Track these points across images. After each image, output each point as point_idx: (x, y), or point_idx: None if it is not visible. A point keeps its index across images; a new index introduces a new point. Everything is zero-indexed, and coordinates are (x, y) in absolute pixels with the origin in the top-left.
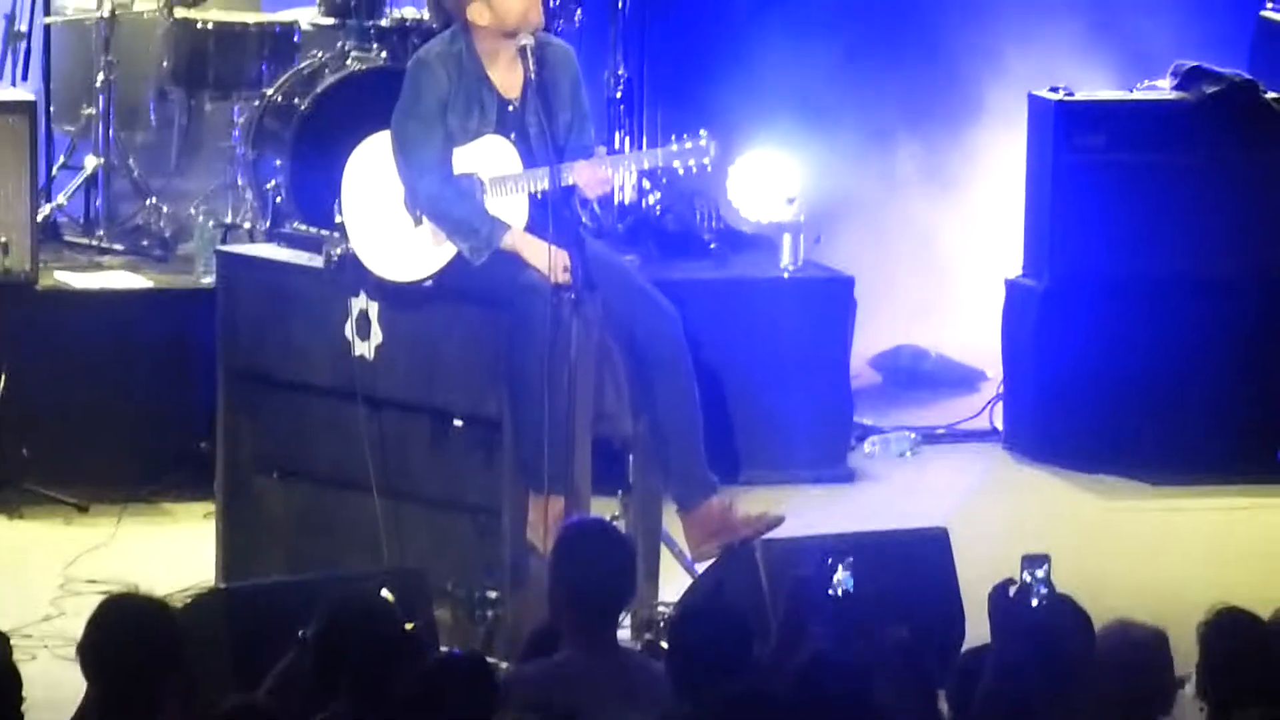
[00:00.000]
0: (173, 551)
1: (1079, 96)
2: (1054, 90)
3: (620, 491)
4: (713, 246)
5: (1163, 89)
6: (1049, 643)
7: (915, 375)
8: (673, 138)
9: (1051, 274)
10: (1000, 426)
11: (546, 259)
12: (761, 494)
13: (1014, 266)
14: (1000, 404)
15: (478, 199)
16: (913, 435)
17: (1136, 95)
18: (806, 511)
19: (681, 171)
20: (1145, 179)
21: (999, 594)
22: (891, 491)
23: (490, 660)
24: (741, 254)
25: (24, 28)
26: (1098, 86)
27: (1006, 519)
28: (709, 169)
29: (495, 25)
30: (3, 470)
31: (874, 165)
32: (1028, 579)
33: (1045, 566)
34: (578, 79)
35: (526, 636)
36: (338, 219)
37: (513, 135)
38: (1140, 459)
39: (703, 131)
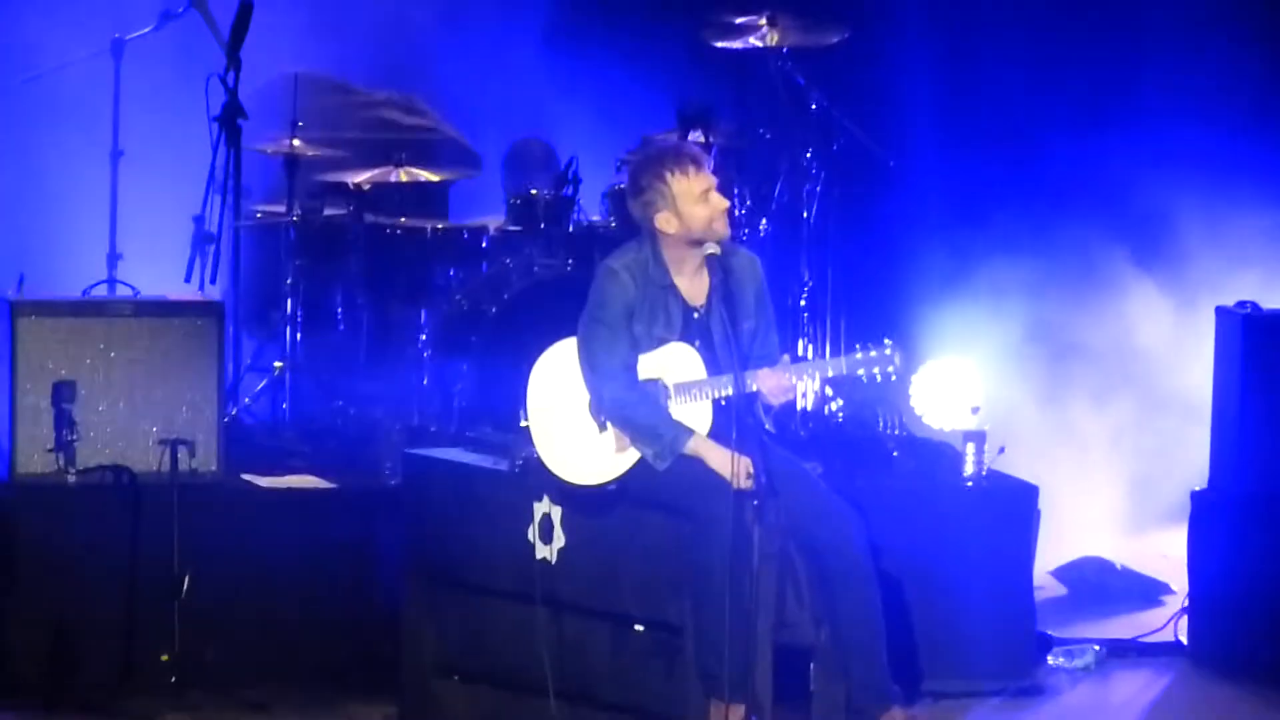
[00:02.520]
0: None
1: (1266, 310)
2: (1241, 306)
3: (802, 701)
4: (895, 454)
5: None
6: None
7: (1099, 587)
8: (857, 346)
9: (1240, 487)
10: (1185, 640)
11: (730, 464)
12: (945, 706)
13: (1201, 478)
14: (1186, 617)
15: (662, 405)
16: (1097, 648)
17: None
18: None
19: (865, 380)
20: None
21: None
22: (1076, 705)
23: None
24: (924, 462)
25: (213, 229)
26: None
27: None
28: (893, 378)
29: (682, 234)
30: (186, 671)
31: (1059, 375)
32: None
33: None
34: (762, 287)
35: None
36: (523, 423)
37: (697, 342)
38: None
39: (887, 341)
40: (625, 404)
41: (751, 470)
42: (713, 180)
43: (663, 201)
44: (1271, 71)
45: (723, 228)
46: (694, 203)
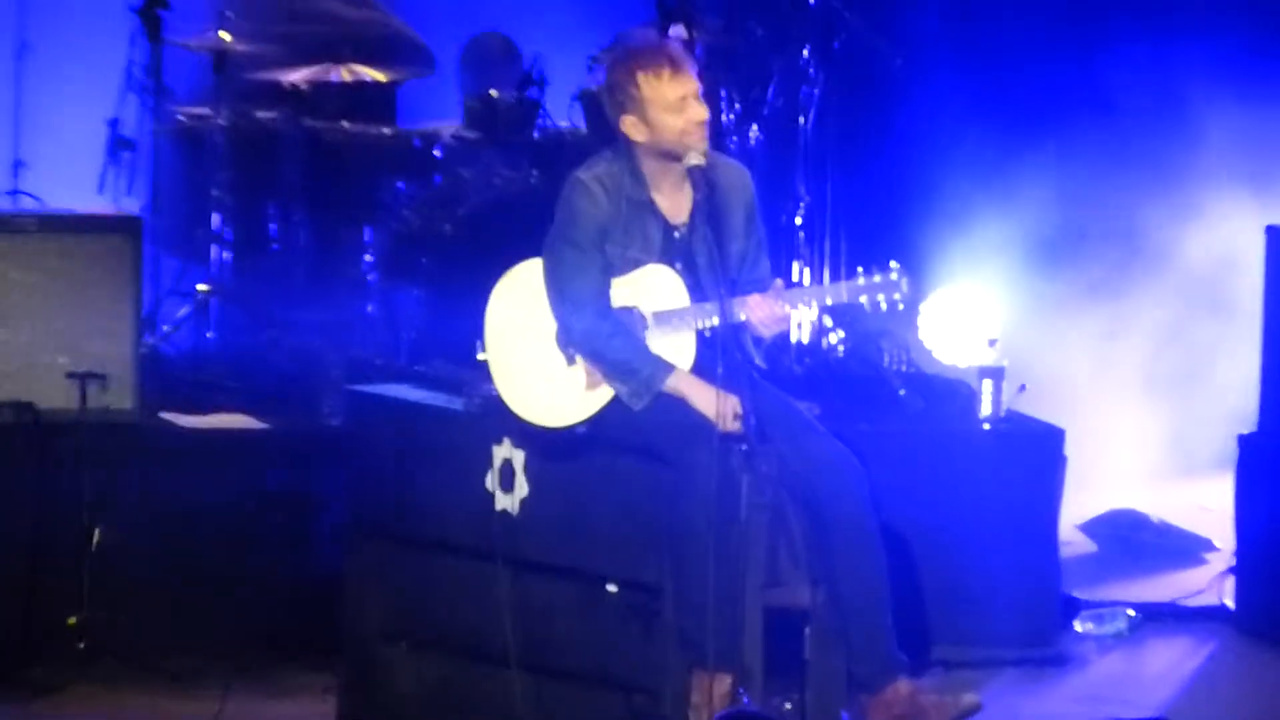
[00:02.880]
0: None
1: None
2: None
3: (796, 670)
4: (902, 394)
5: None
6: None
7: (1133, 543)
8: (859, 270)
9: None
10: (1231, 604)
11: (715, 404)
12: (957, 676)
13: (1249, 421)
14: (1232, 578)
15: (639, 336)
16: (1130, 612)
17: None
18: (1008, 697)
19: (869, 309)
20: None
21: None
22: (1106, 677)
23: None
24: (935, 402)
25: (130, 135)
26: None
27: (1239, 712)
28: (900, 307)
29: (651, 143)
30: (97, 636)
31: (1088, 306)
32: None
33: None
34: (753, 204)
35: None
36: (480, 356)
37: (678, 265)
38: None
39: (894, 264)
40: (597, 335)
41: (739, 411)
42: (691, 86)
43: (632, 105)
44: None
45: (697, 141)
46: (665, 109)
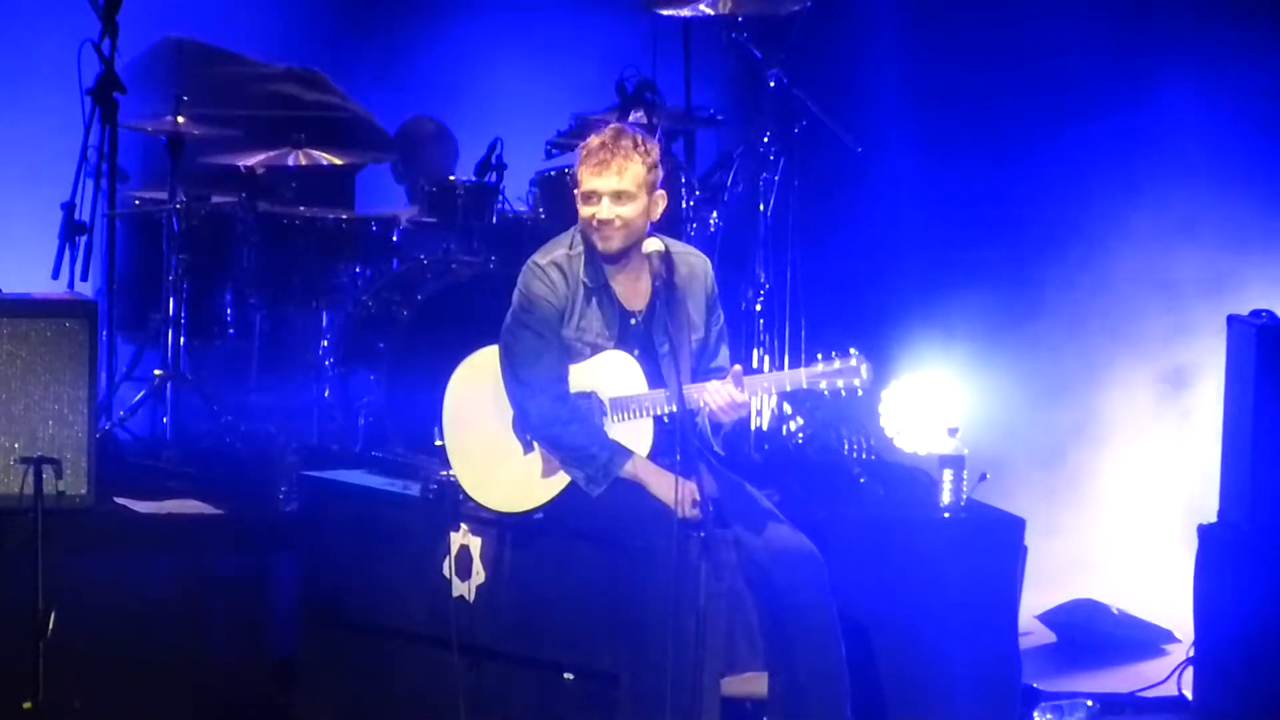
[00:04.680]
0: None
1: None
2: (1256, 315)
3: None
4: (862, 481)
5: None
6: None
7: (1093, 634)
8: (819, 356)
9: (1254, 519)
10: (1190, 695)
11: (672, 490)
12: None
13: (1209, 511)
14: (1191, 669)
15: (596, 422)
16: (1090, 704)
17: None
18: None
19: (828, 395)
20: None
21: None
22: None
23: None
24: (895, 491)
25: (85, 218)
26: None
27: None
28: (860, 393)
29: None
30: None
31: (1048, 395)
32: None
33: None
34: (713, 292)
35: None
36: (438, 443)
37: (636, 351)
38: None
39: (853, 350)
40: (554, 420)
41: (697, 497)
42: (605, 184)
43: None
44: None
45: (599, 241)
46: (580, 197)
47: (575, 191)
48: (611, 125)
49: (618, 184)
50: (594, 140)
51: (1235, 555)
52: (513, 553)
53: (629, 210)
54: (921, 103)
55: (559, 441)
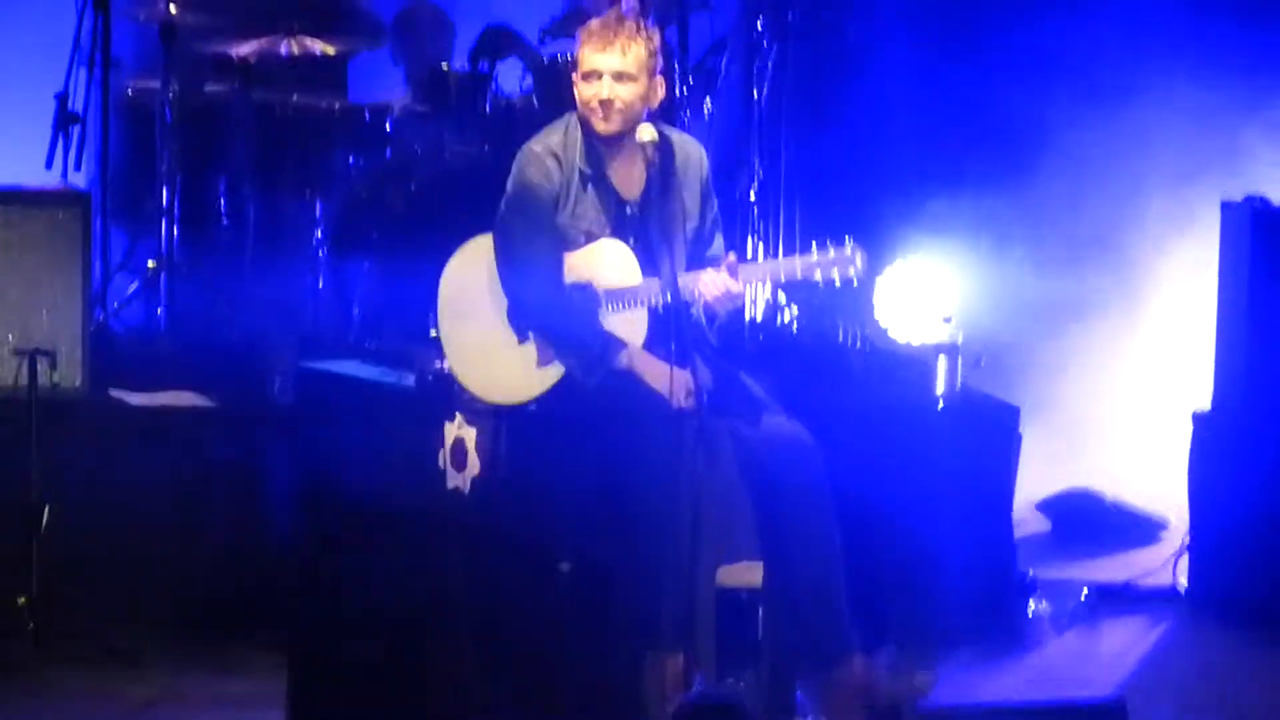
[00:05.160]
0: (239, 711)
1: (1278, 205)
2: (1250, 200)
3: (749, 649)
4: (857, 369)
5: None
6: None
7: (1088, 523)
8: (813, 245)
9: (1248, 407)
10: (1185, 584)
11: (667, 380)
12: (911, 654)
13: (1204, 399)
14: (1185, 557)
15: (591, 312)
16: (1085, 591)
17: None
18: (963, 676)
19: (823, 284)
20: None
21: None
22: (1061, 656)
23: None
24: (890, 379)
25: (78, 108)
26: None
27: (1192, 691)
28: (855, 283)
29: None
30: (48, 615)
31: (1044, 280)
32: None
33: None
34: (708, 180)
35: None
36: (432, 333)
37: (631, 240)
38: None
39: (848, 239)
40: (548, 310)
41: (691, 387)
42: (608, 62)
43: (574, 69)
44: None
45: (599, 122)
46: (579, 77)
47: (575, 74)
48: (613, 8)
49: (620, 64)
50: (595, 22)
51: (1229, 444)
52: (508, 445)
53: (629, 92)
54: None
55: (553, 331)
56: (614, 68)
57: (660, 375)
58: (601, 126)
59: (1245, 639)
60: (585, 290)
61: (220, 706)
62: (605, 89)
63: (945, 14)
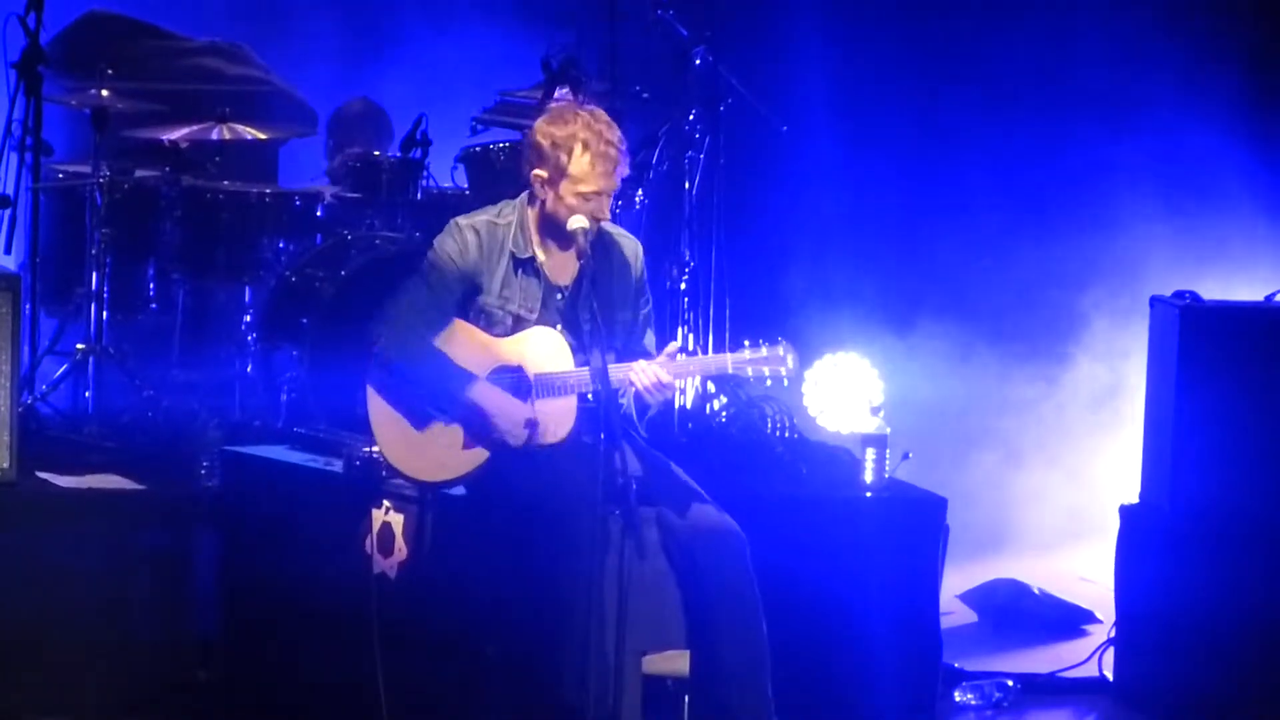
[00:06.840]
0: None
1: (1206, 301)
2: (1179, 296)
3: None
4: (785, 460)
5: None
6: None
7: (1014, 614)
8: (745, 344)
9: (1175, 502)
10: (1111, 675)
11: (507, 418)
12: None
13: (1131, 492)
14: (1111, 650)
15: (522, 397)
16: (1010, 683)
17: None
18: None
19: (754, 382)
20: None
21: None
22: None
23: None
24: (818, 469)
25: (9, 192)
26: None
27: None
28: (785, 383)
29: (548, 210)
30: None
31: (971, 373)
32: None
33: None
34: (641, 275)
35: None
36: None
37: (560, 326)
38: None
39: (781, 340)
40: (417, 356)
41: (535, 423)
42: (611, 186)
43: (553, 169)
44: (1191, 59)
45: (582, 237)
46: (578, 195)
47: (563, 183)
48: (602, 115)
49: (615, 187)
50: (605, 134)
51: (1156, 536)
52: (434, 530)
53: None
54: (846, 84)
55: (415, 373)
56: (612, 189)
57: (503, 411)
58: (583, 241)
59: None
60: (516, 374)
61: None
62: (604, 207)
63: (876, 104)
